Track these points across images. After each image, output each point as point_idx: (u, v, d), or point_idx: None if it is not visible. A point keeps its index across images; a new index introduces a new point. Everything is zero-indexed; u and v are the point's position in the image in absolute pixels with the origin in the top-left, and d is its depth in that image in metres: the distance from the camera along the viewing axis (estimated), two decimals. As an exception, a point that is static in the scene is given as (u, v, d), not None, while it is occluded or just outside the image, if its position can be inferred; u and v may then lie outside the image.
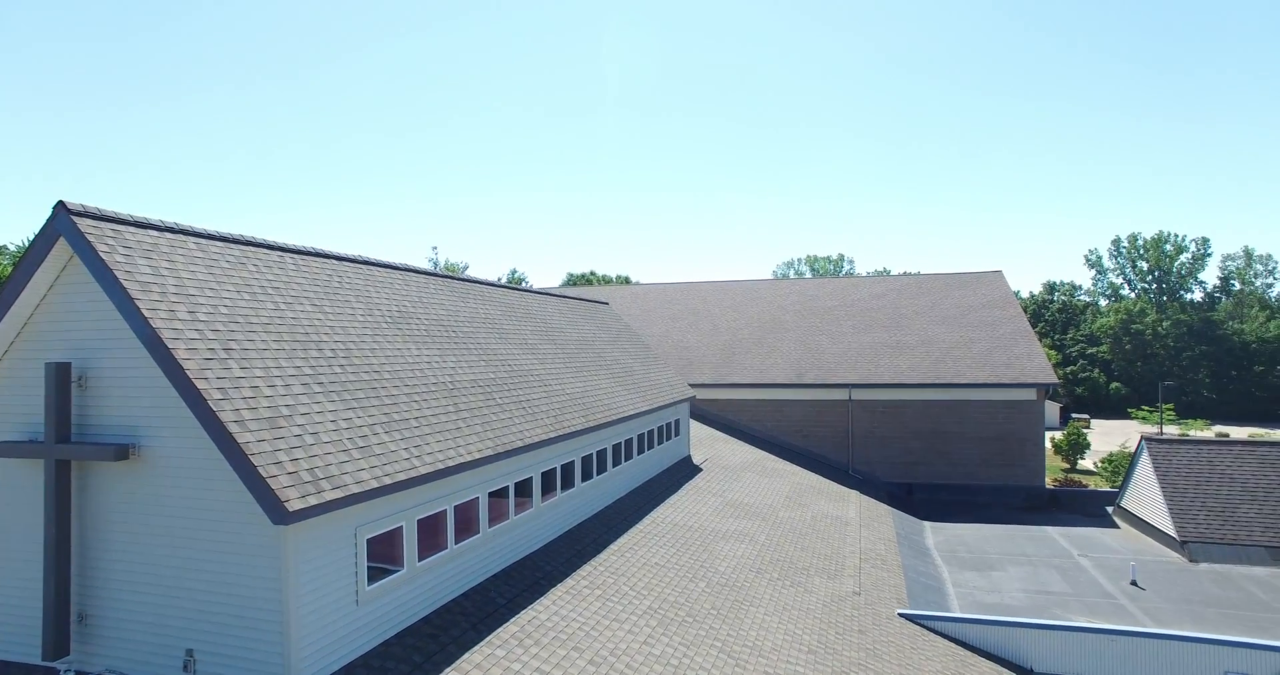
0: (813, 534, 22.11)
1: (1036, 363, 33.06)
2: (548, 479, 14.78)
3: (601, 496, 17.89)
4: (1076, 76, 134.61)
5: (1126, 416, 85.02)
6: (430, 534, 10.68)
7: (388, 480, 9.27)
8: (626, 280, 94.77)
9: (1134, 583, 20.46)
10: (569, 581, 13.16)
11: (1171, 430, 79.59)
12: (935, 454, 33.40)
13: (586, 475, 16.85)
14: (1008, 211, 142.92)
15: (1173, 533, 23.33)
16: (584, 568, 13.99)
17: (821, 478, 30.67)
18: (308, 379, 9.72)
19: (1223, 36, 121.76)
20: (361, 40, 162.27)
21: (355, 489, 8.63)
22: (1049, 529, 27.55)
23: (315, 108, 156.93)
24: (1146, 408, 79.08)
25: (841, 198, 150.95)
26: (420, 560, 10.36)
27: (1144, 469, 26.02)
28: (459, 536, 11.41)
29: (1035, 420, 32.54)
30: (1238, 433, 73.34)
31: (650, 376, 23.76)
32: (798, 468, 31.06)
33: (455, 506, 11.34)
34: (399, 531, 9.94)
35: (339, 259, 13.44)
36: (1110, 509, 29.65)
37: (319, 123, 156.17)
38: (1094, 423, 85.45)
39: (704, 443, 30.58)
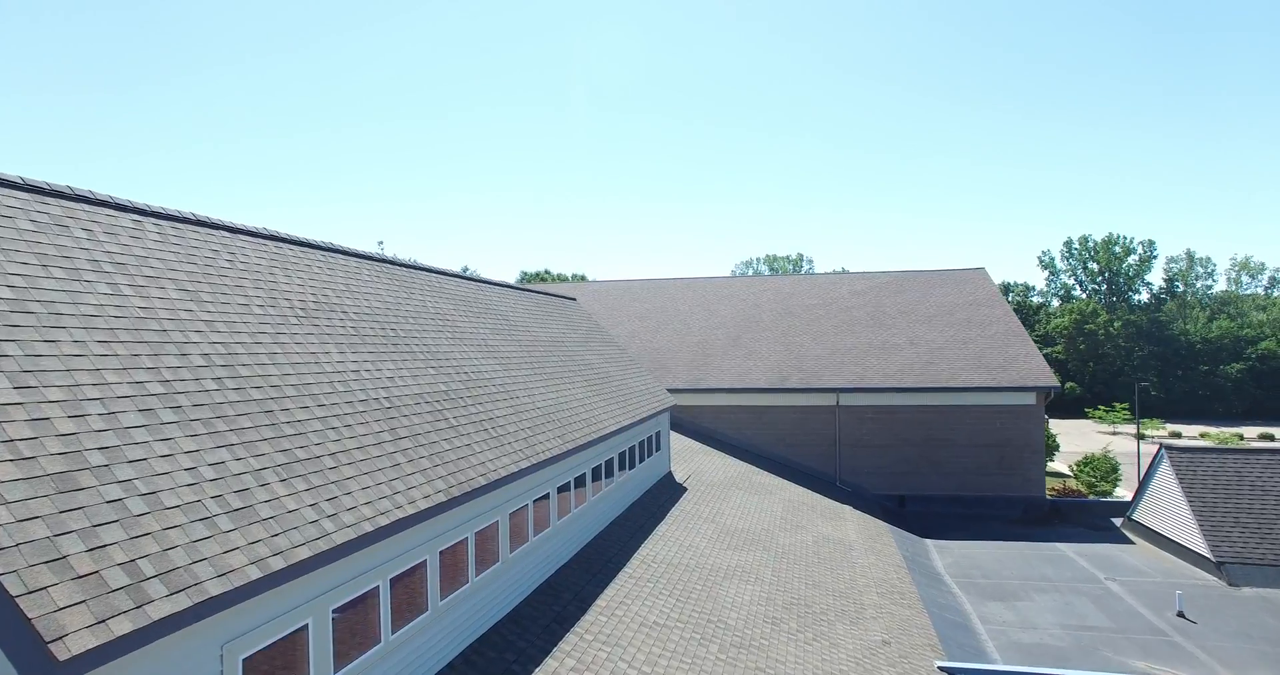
0: (819, 564, 19.19)
1: (1034, 364, 30.94)
2: (517, 521, 11.40)
3: (581, 533, 14.57)
4: (1026, 82, 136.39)
5: (1083, 416, 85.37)
6: (354, 626, 7.23)
7: (279, 563, 5.82)
8: (582, 279, 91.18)
9: (1181, 614, 18.09)
10: (549, 663, 9.82)
11: (1129, 430, 79.97)
12: (928, 463, 30.97)
13: (564, 509, 13.51)
14: (963, 212, 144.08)
15: (1205, 552, 21.16)
16: (566, 639, 10.66)
17: (811, 492, 27.88)
18: (154, 401, 6.19)
19: (1171, 44, 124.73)
20: (306, 33, 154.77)
21: (216, 589, 5.18)
22: (1060, 546, 25.27)
23: (256, 101, 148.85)
24: (1103, 407, 79.34)
25: (797, 199, 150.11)
26: (337, 671, 6.91)
27: (1165, 480, 23.89)
28: (398, 621, 7.97)
29: (1035, 426, 30.39)
30: (1189, 432, 73.94)
31: (628, 383, 20.50)
32: (785, 481, 28.21)
33: (392, 579, 7.91)
34: (302, 635, 6.48)
35: (232, 230, 9.82)
36: (1119, 521, 27.59)
37: (263, 115, 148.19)
38: (1052, 423, 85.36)
39: (682, 455, 27.47)
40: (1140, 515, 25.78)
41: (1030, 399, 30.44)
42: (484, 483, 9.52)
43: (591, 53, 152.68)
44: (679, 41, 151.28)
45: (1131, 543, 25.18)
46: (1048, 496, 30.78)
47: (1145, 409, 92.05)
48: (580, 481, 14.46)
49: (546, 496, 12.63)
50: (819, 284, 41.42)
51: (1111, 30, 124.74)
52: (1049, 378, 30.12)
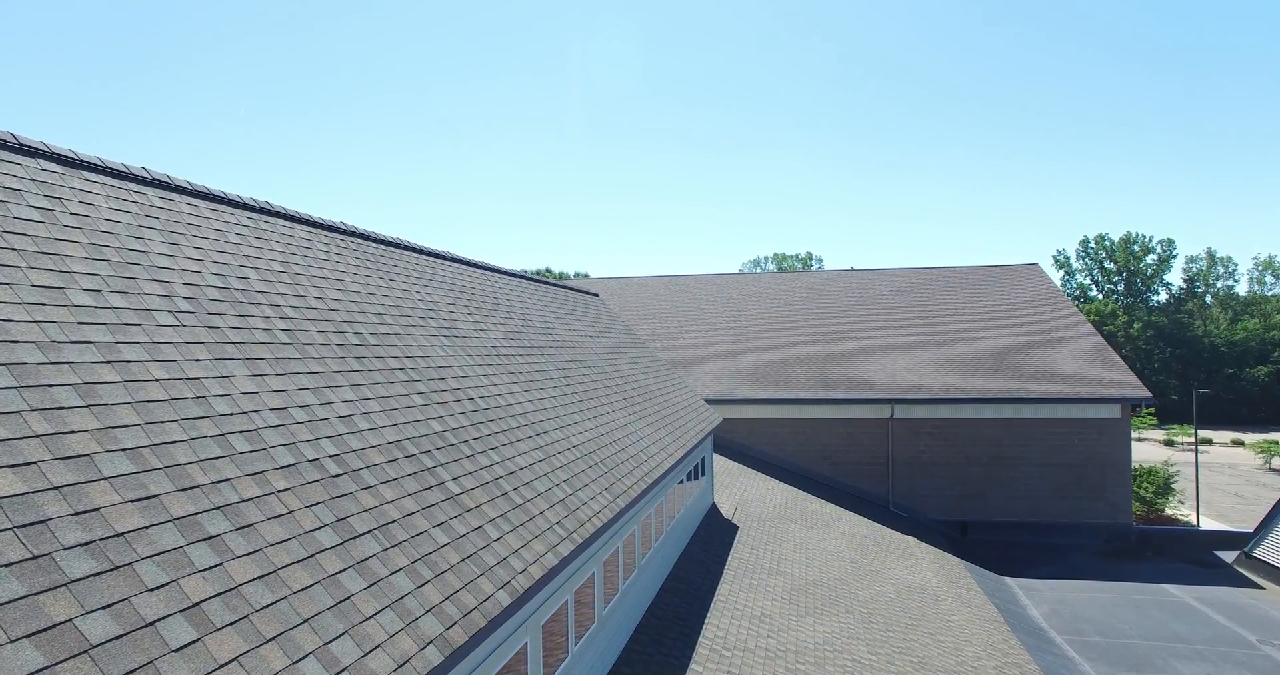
0: (913, 628, 15.16)
1: (1116, 371, 26.97)
2: (552, 632, 7.32)
3: (630, 614, 10.49)
4: (1038, 78, 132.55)
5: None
6: None
7: None
8: (585, 277, 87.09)
9: (1393, 700, 14.08)
10: None
11: (1156, 436, 76.68)
12: (995, 484, 26.97)
13: (610, 589, 9.43)
14: (974, 211, 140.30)
15: (1378, 606, 17.16)
16: None
17: (869, 521, 23.86)
18: None
19: (1190, 40, 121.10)
20: (300, 24, 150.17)
21: None
22: (1171, 589, 21.28)
23: (252, 98, 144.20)
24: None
25: (804, 198, 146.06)
26: None
27: (1308, 513, 19.92)
28: None
29: (1120, 443, 26.42)
30: (1219, 438, 70.40)
31: (671, 398, 16.42)
32: (839, 509, 24.17)
33: None
34: None
35: (69, 164, 5.66)
36: (1229, 556, 23.62)
37: (255, 112, 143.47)
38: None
39: (721, 479, 23.42)
40: (1266, 552, 21.80)
41: (1114, 411, 26.48)
42: (508, 603, 5.42)
43: (593, 50, 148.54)
44: (680, 39, 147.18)
45: (1258, 586, 21.20)
46: (1135, 524, 26.81)
47: (1168, 414, 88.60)
48: (629, 544, 10.37)
49: (590, 579, 8.54)
50: (855, 281, 37.41)
51: (1128, 25, 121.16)
52: (1137, 387, 26.16)
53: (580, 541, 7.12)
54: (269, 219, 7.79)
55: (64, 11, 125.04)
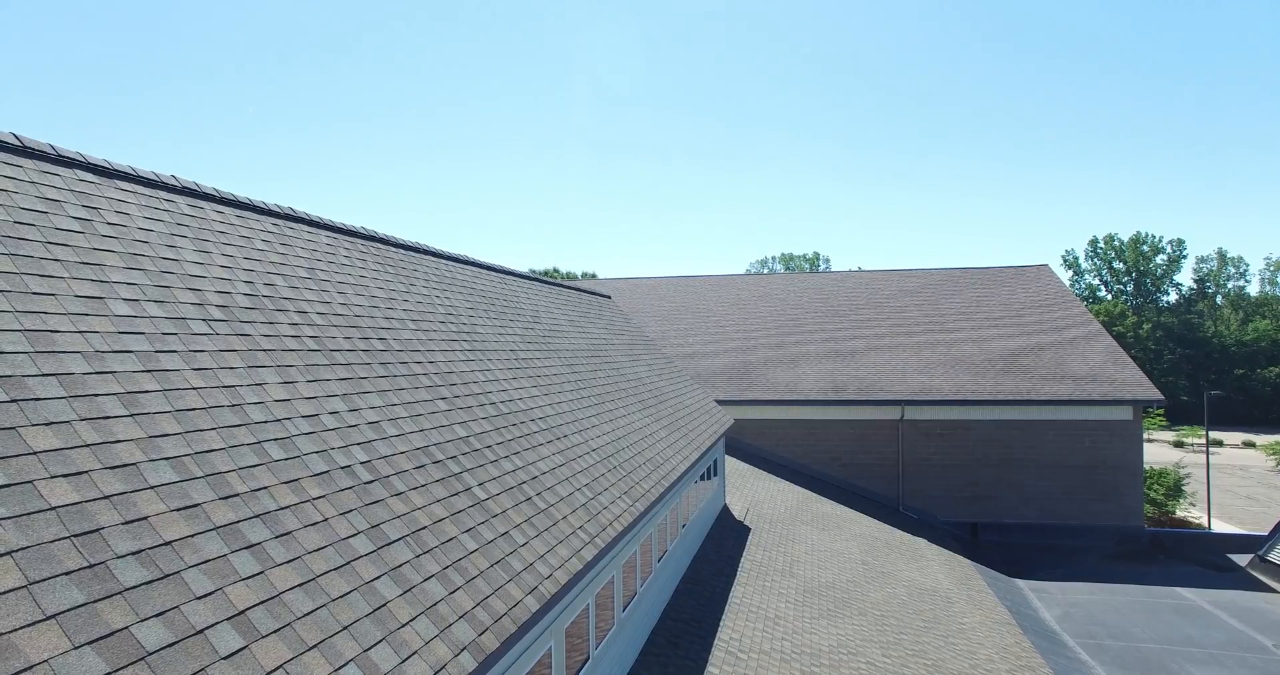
0: (926, 631, 15.17)
1: (1128, 373, 26.87)
2: (572, 637, 7.38)
3: (647, 617, 10.54)
4: (1046, 76, 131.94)
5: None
6: None
7: None
8: (593, 277, 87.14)
9: None
10: None
11: (1166, 437, 76.39)
12: (1005, 486, 26.92)
13: (628, 592, 9.49)
14: (981, 211, 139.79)
15: (1394, 610, 17.08)
16: None
17: (880, 523, 23.87)
18: None
19: (1200, 37, 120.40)
20: (305, 26, 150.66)
21: None
22: (1183, 592, 21.21)
23: (250, 96, 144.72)
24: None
25: (809, 198, 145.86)
26: None
27: (1322, 517, 19.79)
28: None
29: (1131, 445, 26.32)
30: (1230, 440, 70.07)
31: (684, 400, 16.46)
32: (849, 510, 24.17)
33: None
34: None
35: (103, 173, 5.75)
36: (1243, 560, 23.53)
37: (255, 110, 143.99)
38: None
39: (731, 480, 23.46)
40: (1279, 556, 21.72)
41: (1126, 413, 26.38)
42: (536, 608, 5.48)
43: (599, 52, 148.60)
44: (687, 40, 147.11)
45: (1273, 590, 21.12)
46: (1147, 527, 26.72)
47: (1178, 415, 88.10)
48: (646, 547, 10.42)
49: (610, 582, 8.59)
50: (865, 281, 37.35)
51: (1139, 26, 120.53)
52: (1149, 389, 26.09)
53: (602, 546, 7.18)
54: (292, 225, 7.87)
55: (66, 13, 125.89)
